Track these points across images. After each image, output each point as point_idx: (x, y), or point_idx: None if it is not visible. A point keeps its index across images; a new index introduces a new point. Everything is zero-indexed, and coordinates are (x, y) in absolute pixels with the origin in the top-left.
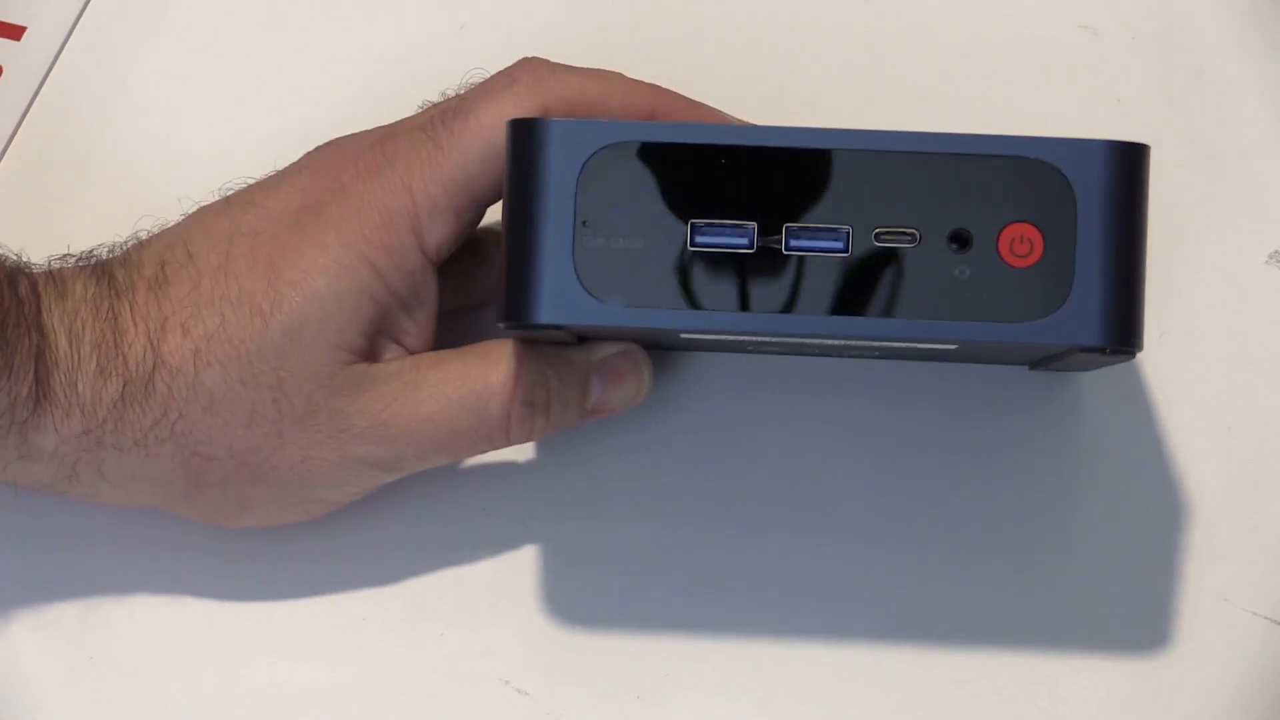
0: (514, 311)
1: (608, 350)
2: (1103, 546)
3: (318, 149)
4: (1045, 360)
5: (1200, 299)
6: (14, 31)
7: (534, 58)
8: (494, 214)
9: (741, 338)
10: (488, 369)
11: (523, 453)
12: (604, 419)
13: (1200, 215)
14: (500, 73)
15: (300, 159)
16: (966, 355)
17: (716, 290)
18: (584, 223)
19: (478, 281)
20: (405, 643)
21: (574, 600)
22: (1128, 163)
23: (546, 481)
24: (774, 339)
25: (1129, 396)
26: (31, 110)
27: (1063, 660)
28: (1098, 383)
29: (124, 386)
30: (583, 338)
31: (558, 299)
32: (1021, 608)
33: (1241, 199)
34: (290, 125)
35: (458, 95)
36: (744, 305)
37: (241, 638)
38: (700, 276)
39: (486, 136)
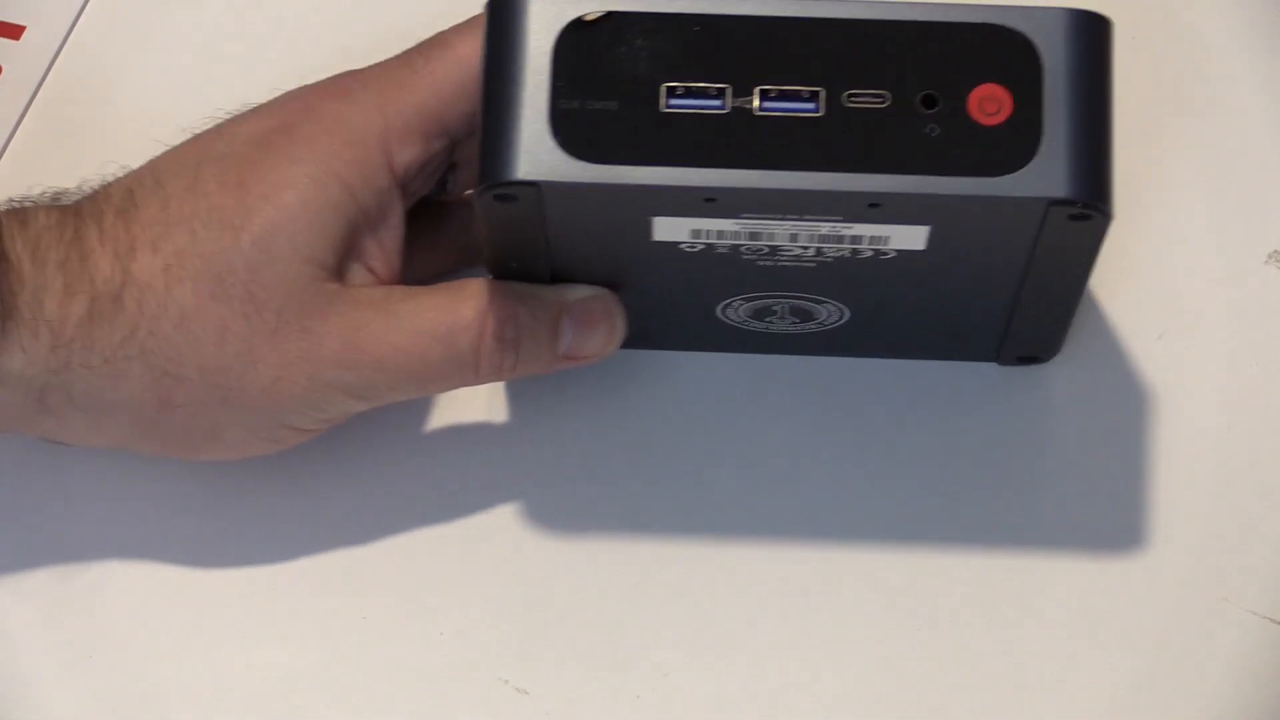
0: (489, 172)
1: (580, 293)
2: (1101, 547)
3: (287, 90)
4: (1020, 307)
5: (1200, 299)
6: (14, 31)
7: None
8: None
9: (711, 228)
10: (459, 303)
11: (524, 450)
12: (576, 367)
13: (1200, 215)
14: (478, 13)
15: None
16: (939, 269)
17: (690, 150)
18: (560, 85)
19: (450, 242)
20: (405, 641)
21: (574, 599)
22: (1091, 31)
23: (547, 480)
24: (746, 202)
25: (1128, 395)
26: (31, 110)
27: (1062, 661)
28: (1095, 381)
29: (91, 303)
30: (556, 276)
31: (533, 157)
32: (1019, 608)
33: (1241, 199)
34: None
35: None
36: (717, 164)
37: (239, 634)
38: (674, 137)
39: (463, 65)
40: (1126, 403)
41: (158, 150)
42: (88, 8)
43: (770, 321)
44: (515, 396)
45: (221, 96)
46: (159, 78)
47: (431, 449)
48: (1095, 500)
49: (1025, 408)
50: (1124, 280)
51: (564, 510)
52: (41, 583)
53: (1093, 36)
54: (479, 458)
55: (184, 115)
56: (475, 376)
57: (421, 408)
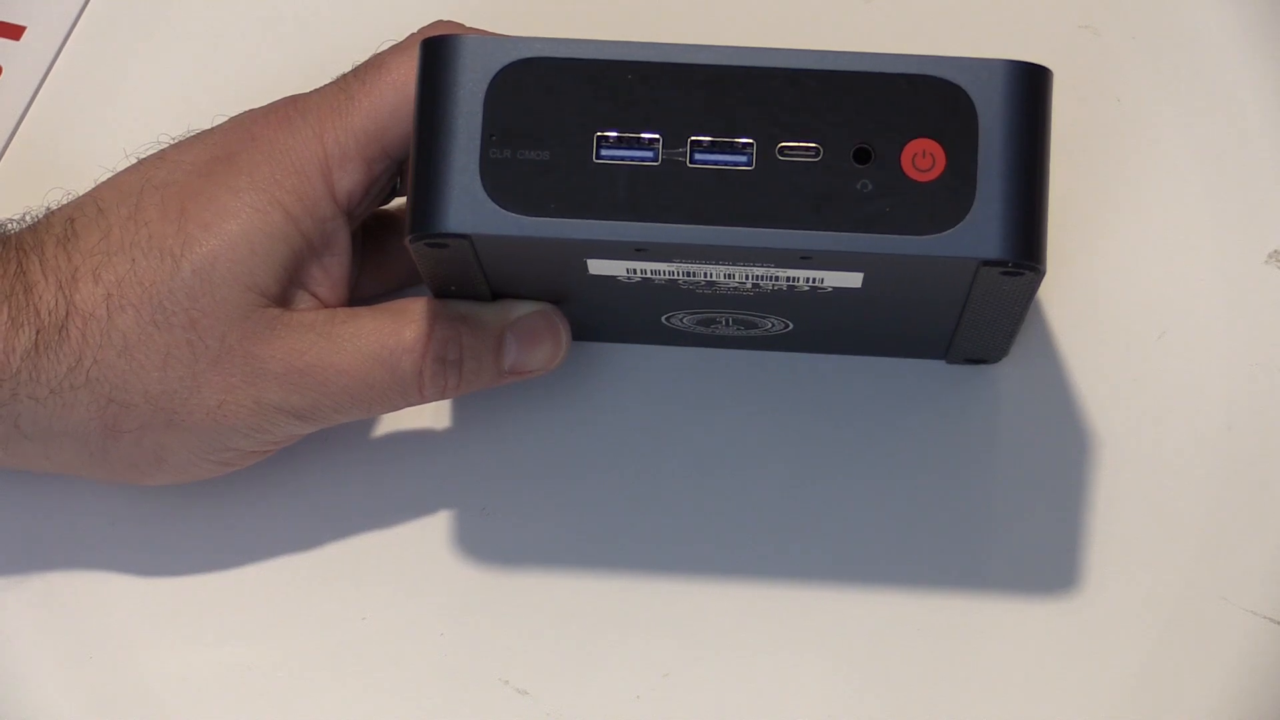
0: (420, 222)
1: (523, 310)
2: (1101, 547)
3: (232, 116)
4: (960, 330)
5: (1200, 299)
6: (14, 31)
7: (448, 20)
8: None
9: (646, 268)
10: (401, 325)
11: (523, 452)
12: (520, 380)
13: (1200, 215)
14: (414, 33)
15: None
16: (877, 301)
17: (621, 203)
18: (491, 136)
19: (400, 257)
20: (405, 642)
21: (574, 599)
22: (1029, 83)
23: (546, 481)
24: (677, 254)
25: (1127, 395)
26: (31, 110)
27: (1062, 660)
28: (1094, 381)
29: (37, 335)
30: (497, 294)
31: (464, 209)
32: (1019, 608)
33: (1241, 199)
34: None
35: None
36: (648, 217)
37: (238, 635)
38: (605, 189)
39: (399, 89)
40: (1124, 402)
41: (157, 150)
42: (88, 8)
43: (715, 328)
44: (513, 395)
45: (221, 96)
46: (159, 78)
47: (433, 448)
48: (1094, 501)
49: (1024, 407)
50: (1124, 280)
51: (564, 510)
52: (41, 583)
53: (1031, 88)
54: (480, 459)
55: (183, 117)
56: (419, 397)
57: (418, 407)
